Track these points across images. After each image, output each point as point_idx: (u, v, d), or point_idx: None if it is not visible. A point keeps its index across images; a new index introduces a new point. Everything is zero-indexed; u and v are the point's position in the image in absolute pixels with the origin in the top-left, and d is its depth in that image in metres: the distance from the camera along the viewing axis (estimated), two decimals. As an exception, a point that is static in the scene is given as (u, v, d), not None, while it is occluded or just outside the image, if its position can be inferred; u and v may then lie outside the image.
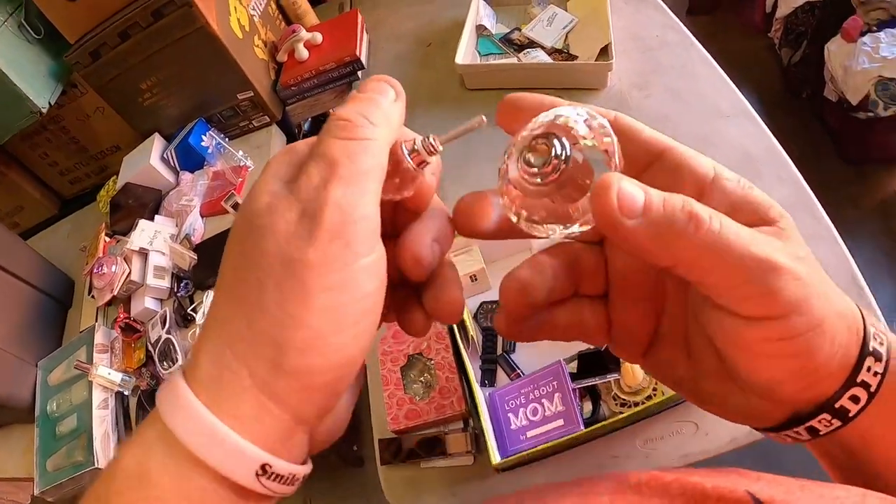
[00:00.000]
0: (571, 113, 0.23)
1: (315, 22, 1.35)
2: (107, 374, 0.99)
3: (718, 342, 0.23)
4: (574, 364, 0.71)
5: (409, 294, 0.27)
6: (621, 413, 0.67)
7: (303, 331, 0.20)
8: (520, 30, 1.17)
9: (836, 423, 0.23)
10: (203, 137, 1.21)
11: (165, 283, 1.08)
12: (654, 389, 0.68)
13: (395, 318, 0.28)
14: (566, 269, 0.26)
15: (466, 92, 1.12)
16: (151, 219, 1.16)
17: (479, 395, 0.70)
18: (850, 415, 0.22)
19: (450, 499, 0.71)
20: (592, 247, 0.26)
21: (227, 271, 0.22)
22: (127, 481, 0.20)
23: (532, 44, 1.14)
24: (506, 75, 1.09)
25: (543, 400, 0.70)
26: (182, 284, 1.07)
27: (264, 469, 0.21)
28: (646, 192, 0.20)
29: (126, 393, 1.01)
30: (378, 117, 0.23)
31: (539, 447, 0.65)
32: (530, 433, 0.69)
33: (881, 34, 1.62)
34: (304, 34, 1.23)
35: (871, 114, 1.60)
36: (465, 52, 1.09)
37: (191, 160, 1.22)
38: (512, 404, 0.72)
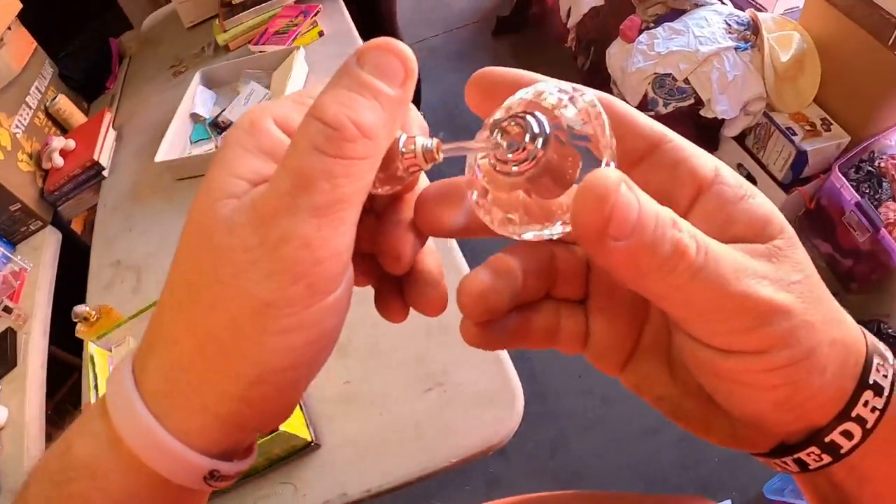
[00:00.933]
0: (553, 89, 0.20)
1: (83, 121, 1.52)
2: None
3: (692, 369, 0.22)
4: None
5: (385, 276, 0.25)
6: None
7: (256, 367, 0.19)
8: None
9: (827, 458, 0.21)
10: (-14, 250, 1.40)
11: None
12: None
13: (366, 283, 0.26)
14: (537, 270, 0.23)
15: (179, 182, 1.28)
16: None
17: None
18: (842, 451, 0.21)
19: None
20: (570, 246, 0.24)
21: (179, 281, 0.20)
22: (81, 470, 0.21)
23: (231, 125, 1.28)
24: (208, 160, 1.24)
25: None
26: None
27: (212, 474, 0.21)
28: (640, 203, 0.17)
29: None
30: (375, 123, 0.19)
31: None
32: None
33: (658, 30, 1.70)
34: (57, 143, 1.40)
35: (652, 112, 1.68)
36: (173, 145, 1.25)
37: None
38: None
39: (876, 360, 0.21)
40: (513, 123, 0.19)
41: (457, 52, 2.66)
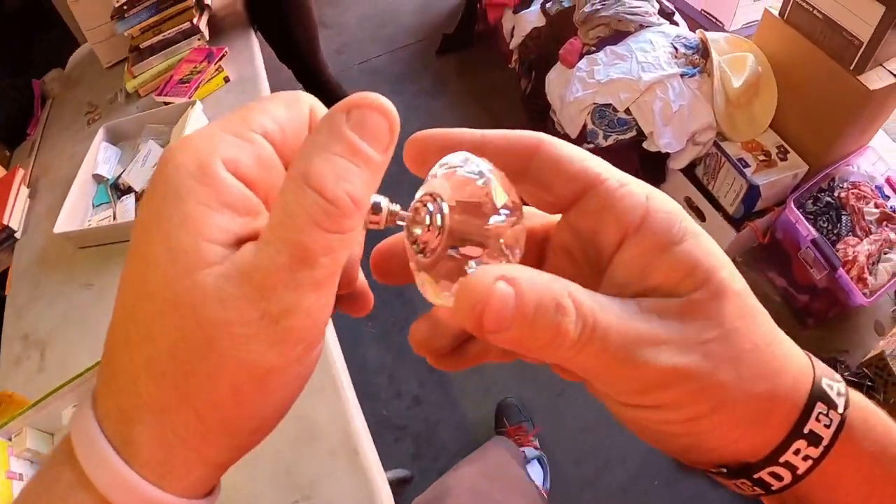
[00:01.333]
0: (457, 161, 0.21)
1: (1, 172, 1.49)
2: None
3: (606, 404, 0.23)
4: None
5: None
6: None
7: (256, 421, 0.21)
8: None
9: (760, 490, 0.22)
10: None
11: None
12: None
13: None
14: None
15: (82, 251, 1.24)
16: None
17: None
18: (773, 488, 0.22)
19: None
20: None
21: (163, 355, 0.19)
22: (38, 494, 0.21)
23: (131, 189, 1.23)
24: (108, 232, 1.19)
25: None
26: None
27: None
28: (518, 293, 0.18)
29: None
30: (364, 193, 0.19)
31: None
32: None
33: (599, 54, 1.58)
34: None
35: (592, 145, 1.58)
36: (75, 209, 1.21)
37: None
38: None
39: (818, 410, 0.21)
40: (418, 208, 0.21)
41: (399, 74, 2.58)
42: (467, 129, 0.23)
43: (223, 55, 1.36)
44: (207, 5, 1.44)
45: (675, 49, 1.47)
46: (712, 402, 0.20)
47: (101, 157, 1.29)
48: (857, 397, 0.22)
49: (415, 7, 2.94)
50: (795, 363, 0.21)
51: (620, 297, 0.20)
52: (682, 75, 1.44)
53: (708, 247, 0.21)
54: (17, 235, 1.36)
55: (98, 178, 1.28)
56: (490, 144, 0.22)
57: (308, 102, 0.22)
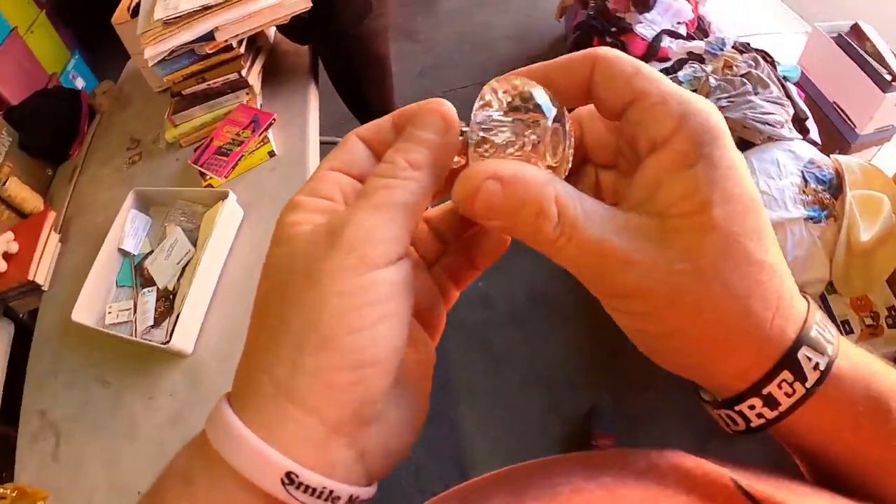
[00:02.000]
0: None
1: (37, 206, 1.39)
2: None
3: None
4: None
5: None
6: None
7: (317, 333, 0.21)
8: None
9: (766, 413, 0.22)
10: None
11: None
12: None
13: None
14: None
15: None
16: None
17: None
18: (752, 425, 0.23)
19: None
20: (598, 122, 0.26)
21: (260, 296, 0.23)
22: (174, 479, 0.22)
23: (153, 281, 1.10)
24: (124, 338, 1.08)
25: None
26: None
27: (290, 478, 0.20)
28: (507, 192, 0.21)
29: None
30: (420, 160, 0.23)
31: None
32: None
33: None
34: (-3, 248, 1.29)
35: None
36: (97, 289, 1.10)
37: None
38: None
39: (782, 376, 0.22)
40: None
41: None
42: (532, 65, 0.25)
43: (270, 123, 1.15)
44: (260, 54, 1.21)
45: (805, 181, 1.15)
46: (668, 326, 0.21)
47: (128, 229, 1.16)
48: (849, 349, 0.23)
49: (512, 31, 2.63)
50: (768, 325, 0.21)
51: (620, 209, 0.22)
52: (805, 219, 1.12)
53: (716, 178, 0.20)
54: (45, 288, 1.27)
55: (124, 253, 1.15)
56: (552, 69, 0.24)
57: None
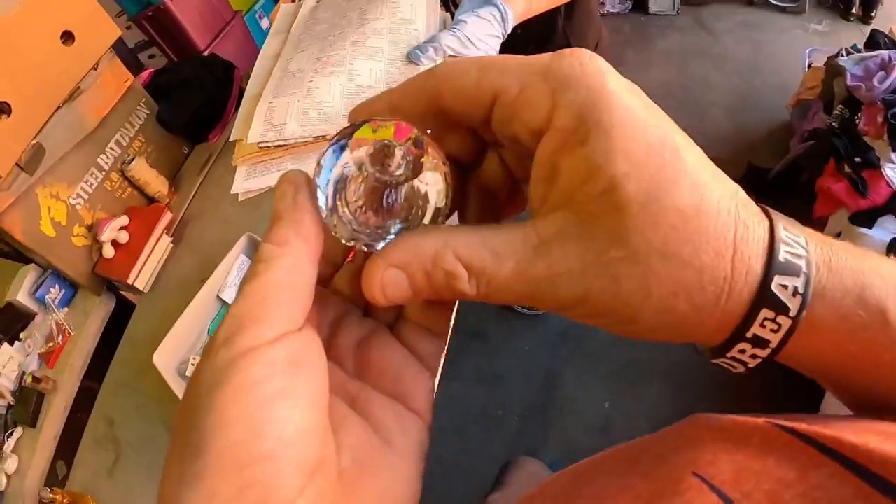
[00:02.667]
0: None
1: (160, 191, 1.31)
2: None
3: None
4: None
5: None
6: None
7: (192, 434, 0.19)
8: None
9: (739, 367, 0.22)
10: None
11: None
12: None
13: None
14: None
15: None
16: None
17: None
18: (745, 367, 0.22)
19: None
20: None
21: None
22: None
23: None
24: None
25: None
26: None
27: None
28: (408, 276, 0.21)
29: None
30: (282, 234, 0.22)
31: None
32: None
33: None
34: (107, 235, 1.23)
35: None
36: (187, 331, 1.03)
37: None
38: None
39: (763, 315, 0.20)
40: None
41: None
42: (383, 93, 0.24)
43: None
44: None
45: None
46: (624, 316, 0.20)
47: (232, 278, 1.05)
48: (830, 255, 0.21)
49: (727, 99, 2.22)
50: (728, 272, 0.19)
51: (534, 220, 0.21)
52: None
53: (612, 145, 0.19)
54: (144, 291, 1.21)
55: (222, 301, 1.05)
56: (397, 98, 0.23)
57: None
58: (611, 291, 0.19)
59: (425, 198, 0.22)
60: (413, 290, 0.21)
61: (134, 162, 1.26)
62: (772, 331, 0.20)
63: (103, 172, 1.26)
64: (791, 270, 0.19)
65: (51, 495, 1.09)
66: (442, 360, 0.26)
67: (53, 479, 1.34)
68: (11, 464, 1.32)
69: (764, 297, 0.20)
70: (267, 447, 0.18)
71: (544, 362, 1.79)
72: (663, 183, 0.19)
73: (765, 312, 0.20)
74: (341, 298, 0.26)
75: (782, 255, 0.20)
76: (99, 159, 1.24)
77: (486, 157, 0.25)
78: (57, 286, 1.36)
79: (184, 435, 0.19)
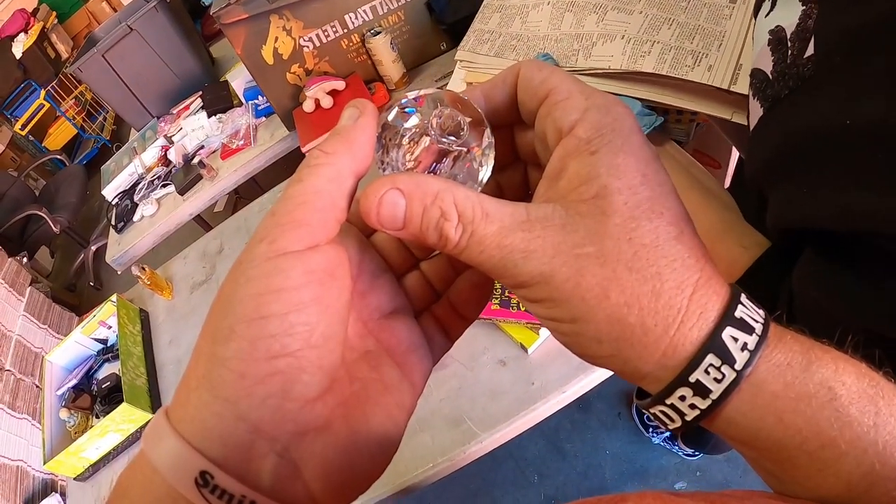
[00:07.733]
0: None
1: (391, 76, 1.20)
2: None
3: None
4: None
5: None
6: None
7: (227, 320, 0.20)
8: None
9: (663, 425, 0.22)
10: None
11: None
12: None
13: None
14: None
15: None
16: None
17: None
18: (670, 426, 0.22)
19: None
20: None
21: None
22: (115, 493, 0.21)
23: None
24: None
25: None
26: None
27: (205, 479, 0.19)
28: (408, 202, 0.21)
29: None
30: (332, 145, 0.22)
31: None
32: None
33: None
34: (312, 92, 1.17)
35: None
36: None
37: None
38: None
39: (707, 362, 0.20)
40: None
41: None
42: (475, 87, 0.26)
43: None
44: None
45: None
46: (575, 310, 0.20)
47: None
48: (781, 330, 0.21)
49: None
50: (684, 305, 0.20)
51: (522, 203, 0.22)
52: None
53: (617, 164, 0.20)
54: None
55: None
56: (488, 88, 0.25)
57: None
58: (573, 281, 0.20)
59: (470, 175, 0.24)
60: (404, 220, 0.21)
61: (378, 37, 1.15)
62: (715, 380, 0.20)
63: (346, 30, 1.17)
64: (744, 328, 0.20)
65: (139, 272, 1.19)
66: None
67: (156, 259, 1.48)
68: (151, 208, 1.46)
69: (713, 343, 0.20)
70: (295, 345, 0.20)
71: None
72: (649, 210, 0.20)
73: (711, 358, 0.20)
74: (383, 260, 0.27)
75: (739, 312, 0.20)
76: (347, 17, 1.14)
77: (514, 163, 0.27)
78: (264, 97, 1.38)
79: (219, 319, 0.20)
